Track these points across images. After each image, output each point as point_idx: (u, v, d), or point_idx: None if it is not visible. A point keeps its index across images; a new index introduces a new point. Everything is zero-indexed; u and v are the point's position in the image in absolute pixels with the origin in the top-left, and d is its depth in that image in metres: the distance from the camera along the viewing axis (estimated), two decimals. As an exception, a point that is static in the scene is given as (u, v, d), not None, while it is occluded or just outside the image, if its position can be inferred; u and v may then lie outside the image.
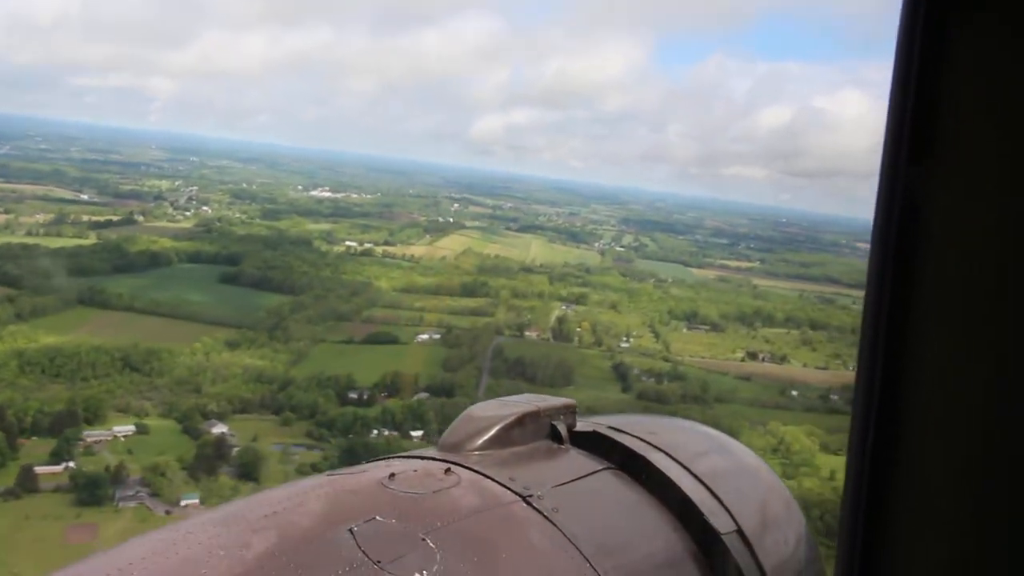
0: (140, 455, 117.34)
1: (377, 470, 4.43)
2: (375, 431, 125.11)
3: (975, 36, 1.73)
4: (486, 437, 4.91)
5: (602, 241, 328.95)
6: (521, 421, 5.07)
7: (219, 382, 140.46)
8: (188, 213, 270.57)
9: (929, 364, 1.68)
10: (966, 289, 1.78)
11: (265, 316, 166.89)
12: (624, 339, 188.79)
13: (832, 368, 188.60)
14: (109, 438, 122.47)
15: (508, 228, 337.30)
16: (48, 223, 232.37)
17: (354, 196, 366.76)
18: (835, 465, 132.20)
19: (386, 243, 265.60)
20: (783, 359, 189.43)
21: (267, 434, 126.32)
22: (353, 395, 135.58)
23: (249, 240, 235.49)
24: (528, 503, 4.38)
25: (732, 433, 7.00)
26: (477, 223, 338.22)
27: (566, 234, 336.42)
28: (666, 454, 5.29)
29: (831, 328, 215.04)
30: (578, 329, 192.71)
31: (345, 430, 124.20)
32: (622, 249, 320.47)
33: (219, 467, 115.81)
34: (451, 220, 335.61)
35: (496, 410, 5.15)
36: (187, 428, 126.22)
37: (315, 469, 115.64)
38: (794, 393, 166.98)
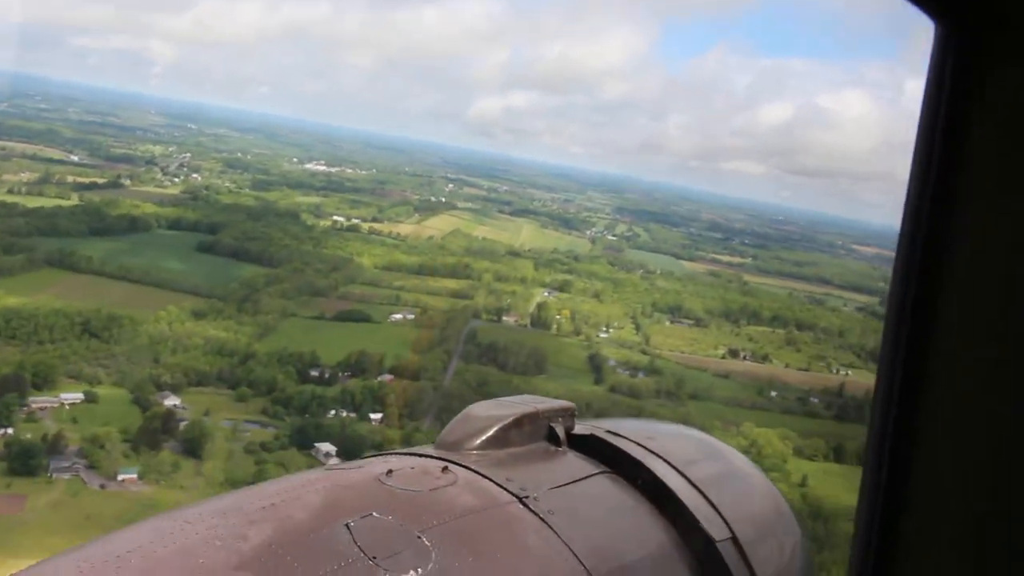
0: (84, 425, 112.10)
1: (374, 466, 4.41)
2: (332, 411, 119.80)
3: (1006, 53, 1.73)
4: (484, 437, 4.88)
5: (594, 229, 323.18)
6: (519, 422, 5.05)
7: (179, 352, 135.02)
8: (177, 179, 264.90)
9: (949, 370, 1.65)
10: (989, 297, 1.78)
11: (237, 287, 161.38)
12: (604, 329, 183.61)
13: (814, 370, 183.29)
14: (55, 405, 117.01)
15: (501, 211, 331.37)
16: (32, 182, 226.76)
17: (349, 171, 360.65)
18: (807, 470, 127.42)
19: (374, 220, 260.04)
20: (765, 358, 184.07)
21: (220, 409, 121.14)
22: (315, 373, 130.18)
23: (234, 209, 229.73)
24: (524, 504, 4.38)
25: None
26: (470, 205, 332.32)
27: (559, 220, 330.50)
28: (663, 459, 5.28)
29: (817, 329, 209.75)
30: (558, 316, 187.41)
31: (301, 409, 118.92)
32: (614, 238, 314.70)
33: (163, 442, 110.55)
34: (443, 200, 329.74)
35: (495, 410, 5.11)
36: (138, 399, 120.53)
37: (264, 449, 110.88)
38: (773, 394, 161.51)
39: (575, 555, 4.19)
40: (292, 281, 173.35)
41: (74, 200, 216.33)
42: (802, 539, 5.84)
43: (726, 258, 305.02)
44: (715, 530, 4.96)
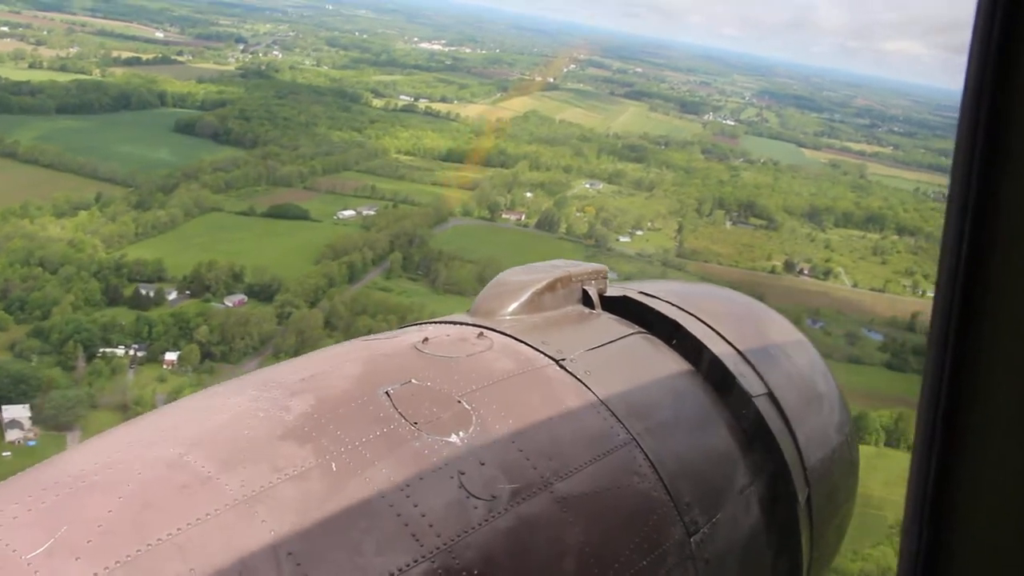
0: None
1: (410, 335, 4.26)
2: (102, 350, 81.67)
3: None
4: (518, 302, 4.71)
5: (712, 114, 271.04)
6: (552, 286, 4.88)
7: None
8: (250, 56, 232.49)
9: (999, 361, 1.52)
10: None
11: (164, 176, 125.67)
12: (631, 232, 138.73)
13: (891, 291, 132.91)
14: None
15: (613, 93, 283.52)
16: (72, 56, 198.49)
17: (466, 51, 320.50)
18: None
19: (443, 100, 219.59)
20: (827, 274, 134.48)
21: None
22: (145, 291, 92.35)
23: (286, 86, 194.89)
24: (561, 366, 4.23)
25: None
26: (580, 86, 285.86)
27: (678, 103, 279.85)
28: (697, 319, 5.04)
29: (921, 235, 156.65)
30: (579, 214, 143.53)
31: (60, 343, 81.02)
32: (732, 123, 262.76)
33: None
34: (552, 80, 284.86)
35: (527, 275, 4.94)
36: None
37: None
38: (816, 325, 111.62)
39: (613, 414, 4.09)
40: (257, 167, 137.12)
41: (111, 76, 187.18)
42: (839, 395, 5.62)
43: (859, 147, 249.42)
44: (751, 386, 4.78)
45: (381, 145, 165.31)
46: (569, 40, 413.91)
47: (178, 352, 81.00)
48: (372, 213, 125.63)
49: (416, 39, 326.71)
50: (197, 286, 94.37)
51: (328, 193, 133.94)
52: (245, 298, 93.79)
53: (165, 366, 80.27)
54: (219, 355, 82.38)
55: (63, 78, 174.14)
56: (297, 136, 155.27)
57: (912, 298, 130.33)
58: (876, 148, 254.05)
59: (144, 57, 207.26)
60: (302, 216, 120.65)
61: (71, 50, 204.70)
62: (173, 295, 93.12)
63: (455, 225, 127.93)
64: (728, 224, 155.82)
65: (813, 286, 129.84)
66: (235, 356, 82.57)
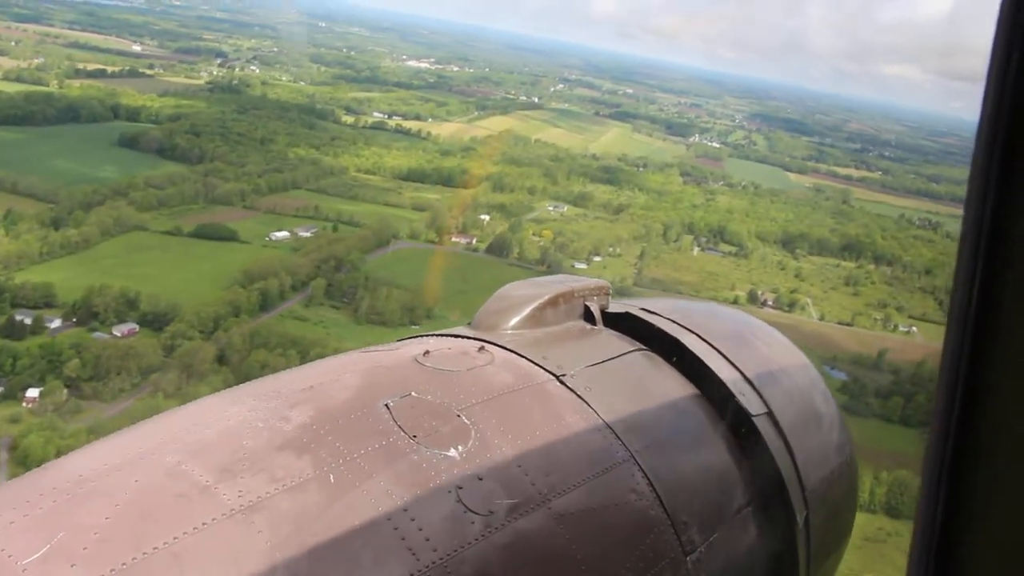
0: None
1: (411, 347, 4.22)
2: None
3: None
4: (520, 317, 4.67)
5: (699, 136, 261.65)
6: (555, 301, 4.84)
7: None
8: (222, 72, 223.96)
9: (1013, 363, 1.48)
10: None
11: (90, 192, 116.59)
12: (588, 258, 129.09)
13: (861, 324, 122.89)
14: None
15: (599, 114, 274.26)
16: (32, 68, 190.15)
17: (454, 69, 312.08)
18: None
19: (416, 118, 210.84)
20: (792, 305, 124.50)
21: None
22: (21, 318, 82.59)
23: (250, 101, 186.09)
24: (561, 382, 4.21)
25: None
26: (565, 105, 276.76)
27: (664, 125, 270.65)
28: (699, 336, 5.00)
29: (900, 264, 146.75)
30: (534, 238, 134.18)
31: None
32: (717, 146, 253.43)
33: None
34: (536, 100, 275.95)
35: (529, 289, 4.90)
36: None
37: None
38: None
39: (612, 431, 4.05)
40: (195, 184, 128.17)
41: (67, 87, 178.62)
42: (838, 415, 5.52)
43: (846, 171, 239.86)
44: (751, 405, 4.72)
45: (339, 163, 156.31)
46: (563, 60, 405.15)
47: (40, 389, 71.50)
48: (308, 235, 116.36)
49: (405, 57, 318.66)
50: (84, 313, 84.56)
51: (268, 213, 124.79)
52: (136, 327, 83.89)
53: (25, 403, 70.64)
54: (90, 392, 72.68)
55: (13, 89, 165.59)
56: (247, 152, 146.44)
57: (882, 333, 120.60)
58: (864, 173, 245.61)
59: (110, 70, 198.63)
60: (229, 237, 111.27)
61: (35, 61, 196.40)
62: (56, 323, 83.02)
63: (397, 249, 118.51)
64: (695, 250, 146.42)
65: (776, 318, 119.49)
66: (108, 394, 72.81)
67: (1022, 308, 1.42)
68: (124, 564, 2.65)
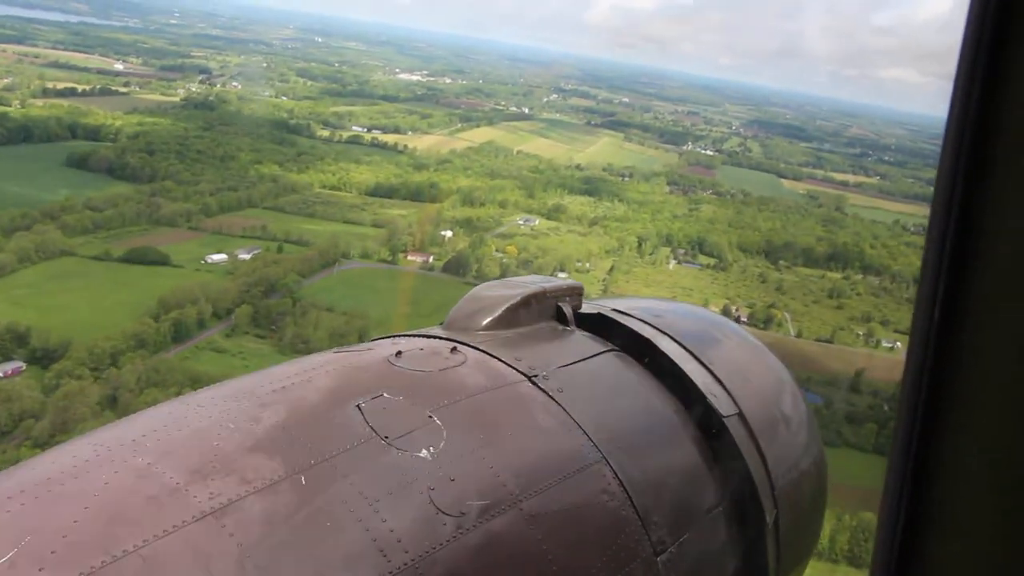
0: None
1: (383, 348, 4.18)
2: None
3: None
4: (492, 317, 4.61)
5: (692, 144, 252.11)
6: (527, 302, 4.78)
7: None
8: (202, 88, 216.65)
9: (977, 368, 1.48)
10: (1018, 298, 1.54)
11: (17, 215, 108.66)
12: (553, 274, 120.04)
13: (840, 341, 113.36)
14: None
15: (591, 123, 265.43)
16: (2, 88, 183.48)
17: (447, 81, 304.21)
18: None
19: (395, 131, 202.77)
20: (768, 321, 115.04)
21: None
22: None
23: (220, 117, 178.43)
24: (533, 383, 4.18)
25: None
26: (557, 116, 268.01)
27: (658, 133, 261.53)
28: (670, 337, 4.99)
29: (888, 274, 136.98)
30: (498, 254, 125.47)
31: None
32: (711, 153, 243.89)
33: None
34: (527, 111, 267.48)
35: (502, 290, 4.84)
36: None
37: None
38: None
39: (584, 432, 4.02)
40: (142, 204, 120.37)
41: (30, 106, 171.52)
42: (808, 415, 5.50)
43: (843, 177, 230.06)
44: (722, 406, 4.71)
45: (302, 180, 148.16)
46: (560, 70, 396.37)
47: None
48: (247, 257, 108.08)
49: (398, 70, 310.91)
50: (-14, 347, 76.61)
51: (214, 234, 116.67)
52: (23, 365, 75.70)
53: None
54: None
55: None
56: (204, 170, 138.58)
57: (863, 349, 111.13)
58: (861, 178, 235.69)
59: (80, 88, 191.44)
60: (160, 261, 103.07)
61: (3, 80, 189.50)
62: (-65, 362, 75.42)
63: (343, 270, 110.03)
64: (672, 264, 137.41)
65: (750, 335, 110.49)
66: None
67: (988, 314, 1.39)
68: (93, 567, 2.59)
